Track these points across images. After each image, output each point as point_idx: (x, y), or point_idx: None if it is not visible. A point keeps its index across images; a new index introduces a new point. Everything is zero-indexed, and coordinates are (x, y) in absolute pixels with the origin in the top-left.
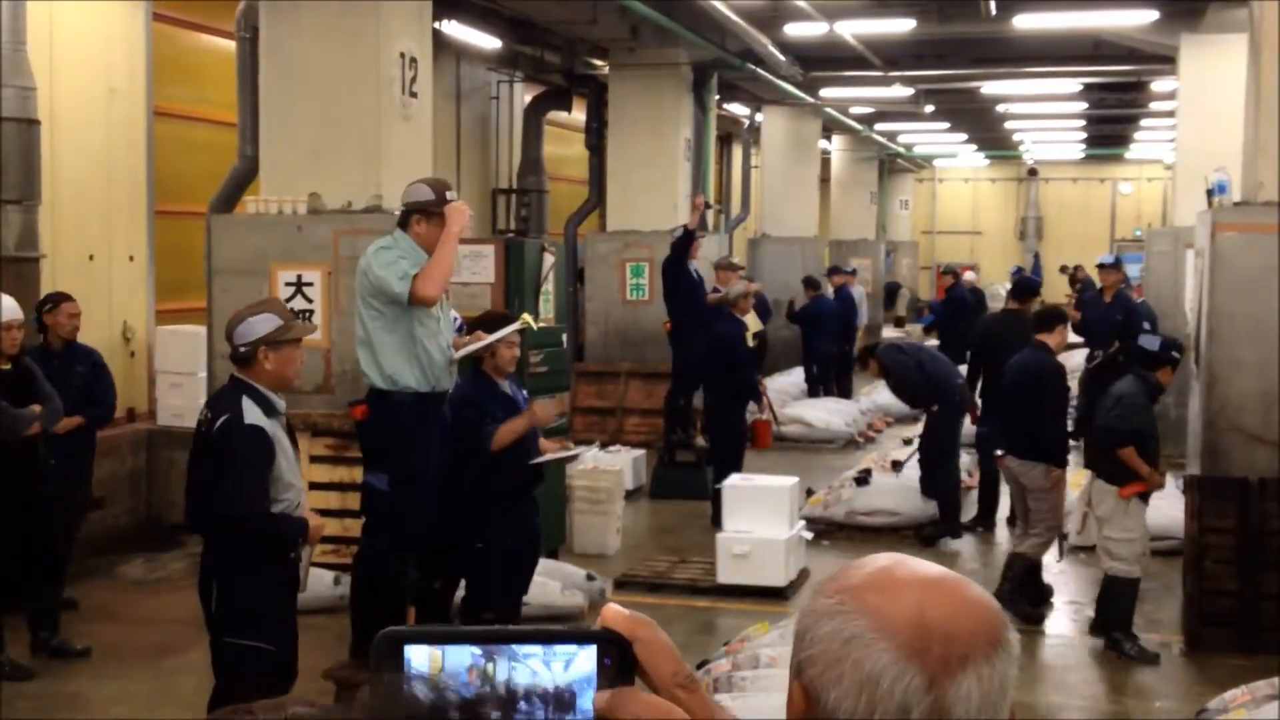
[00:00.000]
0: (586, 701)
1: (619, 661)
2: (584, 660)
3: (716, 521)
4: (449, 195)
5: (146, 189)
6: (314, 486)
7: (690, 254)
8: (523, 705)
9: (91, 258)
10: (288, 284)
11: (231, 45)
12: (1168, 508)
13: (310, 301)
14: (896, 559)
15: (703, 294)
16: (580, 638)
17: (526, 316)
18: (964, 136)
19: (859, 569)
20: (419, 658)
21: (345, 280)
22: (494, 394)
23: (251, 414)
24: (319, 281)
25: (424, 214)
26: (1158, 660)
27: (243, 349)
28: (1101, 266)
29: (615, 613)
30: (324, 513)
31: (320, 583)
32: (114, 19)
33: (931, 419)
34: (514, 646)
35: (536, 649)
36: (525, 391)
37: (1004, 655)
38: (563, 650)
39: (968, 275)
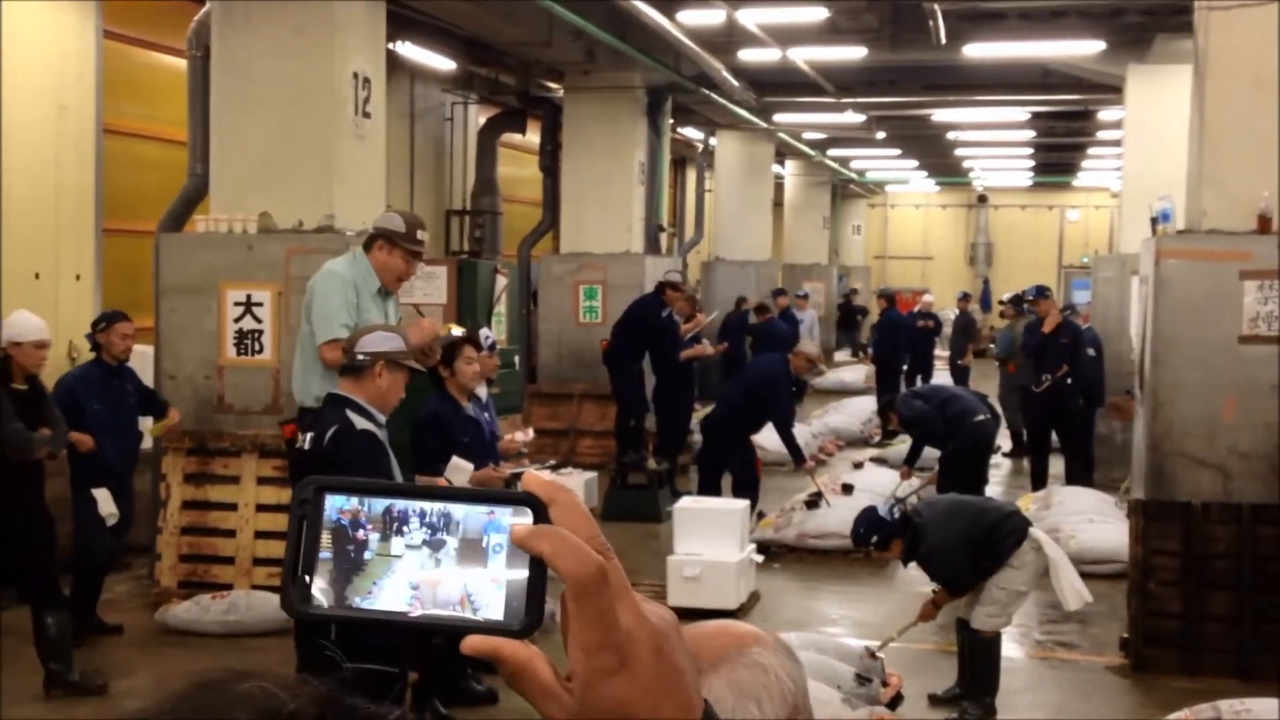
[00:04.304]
0: (484, 528)
1: (534, 523)
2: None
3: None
4: (419, 235)
5: (95, 206)
6: (262, 508)
7: (670, 302)
8: (405, 528)
9: (38, 275)
10: (237, 303)
11: (182, 63)
12: (1113, 531)
13: (260, 321)
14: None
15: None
16: (496, 499)
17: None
18: (915, 163)
19: None
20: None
21: (296, 300)
22: (458, 415)
23: (361, 422)
24: (269, 301)
25: (388, 241)
26: None
27: (361, 357)
28: (1031, 300)
29: (534, 478)
30: (272, 535)
31: (266, 605)
32: (64, 35)
33: (945, 458)
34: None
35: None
36: (489, 415)
37: (730, 665)
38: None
39: (925, 298)
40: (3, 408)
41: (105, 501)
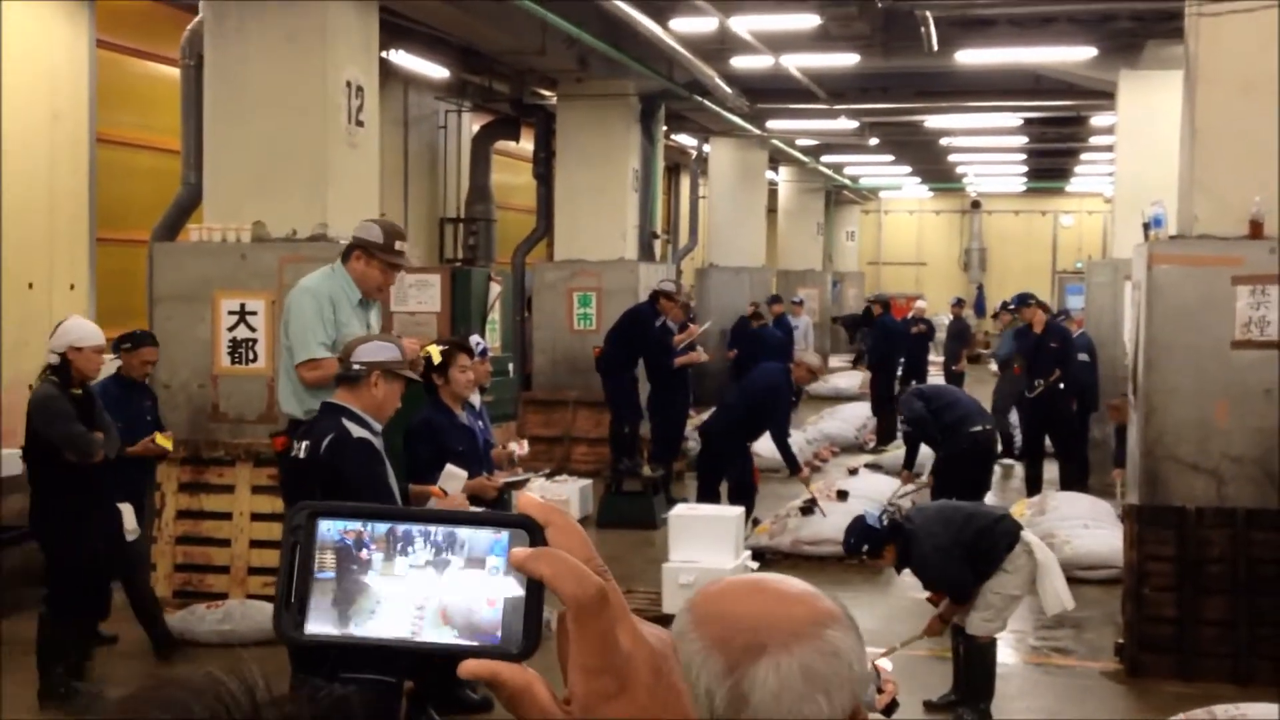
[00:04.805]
0: (484, 550)
1: (530, 545)
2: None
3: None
4: (398, 245)
5: (89, 216)
6: (256, 517)
7: (664, 311)
8: (410, 549)
9: (31, 285)
10: (231, 312)
11: (176, 72)
12: (1108, 536)
13: (254, 330)
14: (751, 575)
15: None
16: (493, 521)
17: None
18: (908, 169)
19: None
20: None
21: None
22: (452, 423)
23: (357, 430)
24: (263, 310)
25: (366, 252)
26: None
27: (356, 367)
28: (1014, 308)
29: (529, 499)
30: (266, 544)
31: (261, 614)
32: (57, 44)
33: (937, 463)
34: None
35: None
36: (483, 423)
37: (805, 647)
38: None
39: (919, 304)
40: (65, 410)
41: (129, 517)
